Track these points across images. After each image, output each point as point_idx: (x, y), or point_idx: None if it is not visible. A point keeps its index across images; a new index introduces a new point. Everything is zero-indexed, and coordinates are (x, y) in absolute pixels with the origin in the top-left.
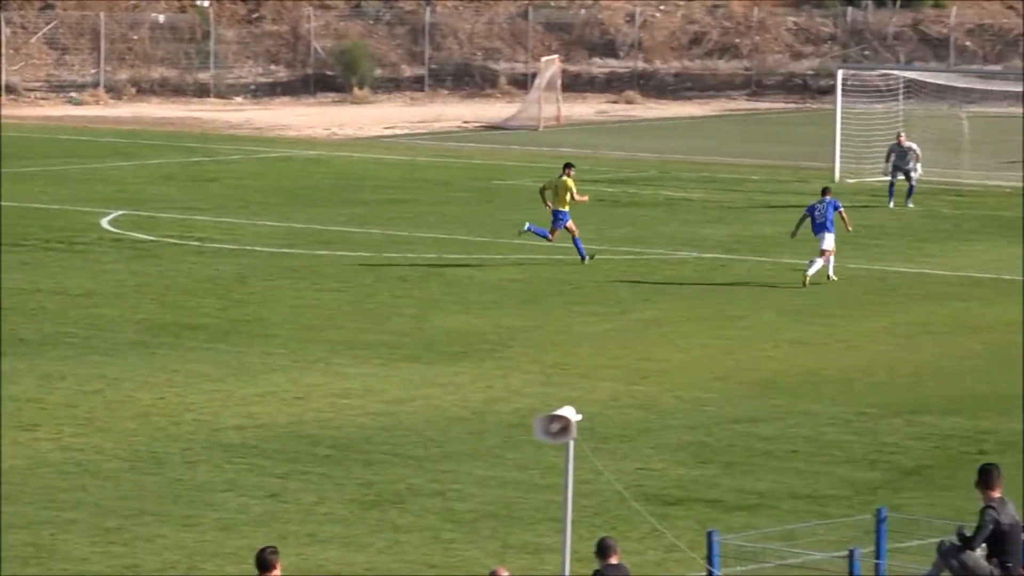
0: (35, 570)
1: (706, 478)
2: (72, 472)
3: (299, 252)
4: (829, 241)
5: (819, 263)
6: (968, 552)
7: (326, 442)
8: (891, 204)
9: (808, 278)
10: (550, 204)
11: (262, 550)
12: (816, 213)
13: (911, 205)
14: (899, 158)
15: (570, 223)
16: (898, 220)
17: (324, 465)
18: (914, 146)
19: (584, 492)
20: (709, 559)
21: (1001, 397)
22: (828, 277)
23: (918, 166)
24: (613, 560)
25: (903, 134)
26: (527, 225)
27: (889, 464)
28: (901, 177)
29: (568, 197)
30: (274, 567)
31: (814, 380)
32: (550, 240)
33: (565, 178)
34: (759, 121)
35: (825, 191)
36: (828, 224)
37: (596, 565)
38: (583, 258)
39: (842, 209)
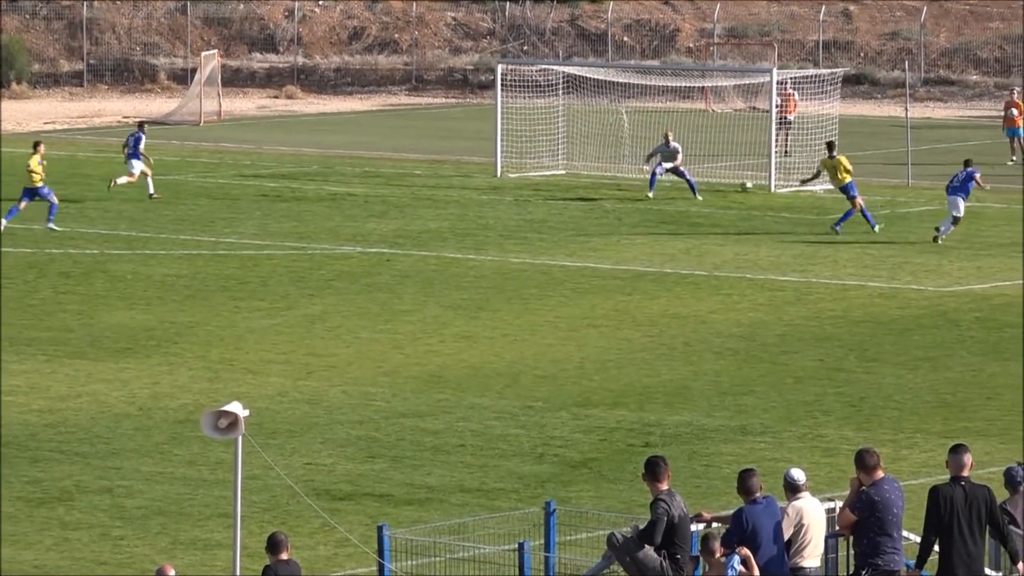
0: None
1: (375, 472)
2: None
3: None
4: (961, 207)
5: (951, 226)
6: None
7: None
8: (651, 194)
9: (942, 237)
10: (822, 178)
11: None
12: (954, 180)
13: (700, 198)
14: (666, 157)
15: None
16: (560, 215)
17: None
18: (678, 145)
19: (254, 488)
20: (380, 553)
21: (666, 390)
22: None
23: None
24: (284, 556)
25: (671, 133)
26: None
27: (557, 457)
28: (674, 176)
29: (843, 171)
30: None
31: (480, 374)
32: (856, 213)
33: (839, 156)
34: (420, 116)
35: (967, 162)
36: (964, 190)
37: (267, 561)
38: (872, 226)
39: (978, 176)
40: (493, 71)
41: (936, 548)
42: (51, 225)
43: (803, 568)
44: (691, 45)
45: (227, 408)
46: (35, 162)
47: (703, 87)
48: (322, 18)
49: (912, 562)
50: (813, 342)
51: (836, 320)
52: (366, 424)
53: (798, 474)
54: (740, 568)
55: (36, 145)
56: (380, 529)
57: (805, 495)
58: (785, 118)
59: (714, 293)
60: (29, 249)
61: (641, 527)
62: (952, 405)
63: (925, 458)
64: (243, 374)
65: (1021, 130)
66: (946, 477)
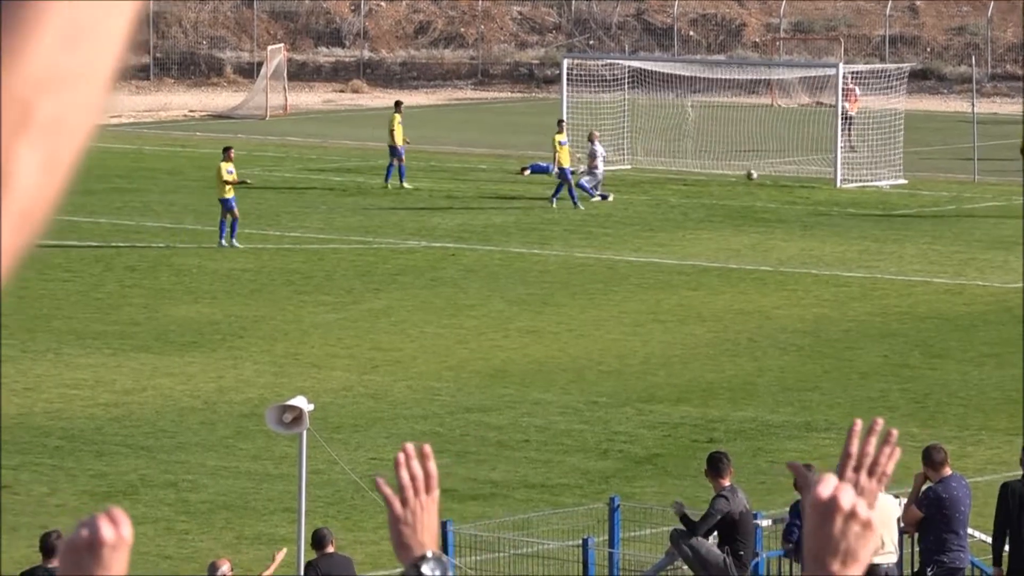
0: None
1: (439, 468)
2: None
3: None
4: None
5: None
6: (699, 539)
7: (57, 433)
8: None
9: None
10: None
11: (46, 534)
12: None
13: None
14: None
15: None
16: (626, 209)
17: (55, 456)
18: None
19: (318, 482)
20: (444, 549)
21: (730, 386)
22: None
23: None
24: (329, 549)
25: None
26: None
27: (621, 453)
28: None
29: None
30: (54, 553)
31: (545, 369)
32: None
33: None
34: (486, 110)
35: None
36: None
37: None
38: None
39: None
40: (559, 65)
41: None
42: (235, 242)
43: (878, 564)
44: (757, 40)
45: (292, 403)
46: (225, 170)
47: (769, 81)
48: (388, 12)
49: (977, 559)
50: (878, 338)
51: (901, 316)
52: (430, 419)
53: None
54: None
55: (226, 151)
56: (444, 525)
57: None
58: (847, 114)
59: (779, 289)
60: (95, 243)
61: (687, 510)
62: (1018, 402)
63: (990, 455)
64: (308, 368)
65: None
66: (1016, 474)
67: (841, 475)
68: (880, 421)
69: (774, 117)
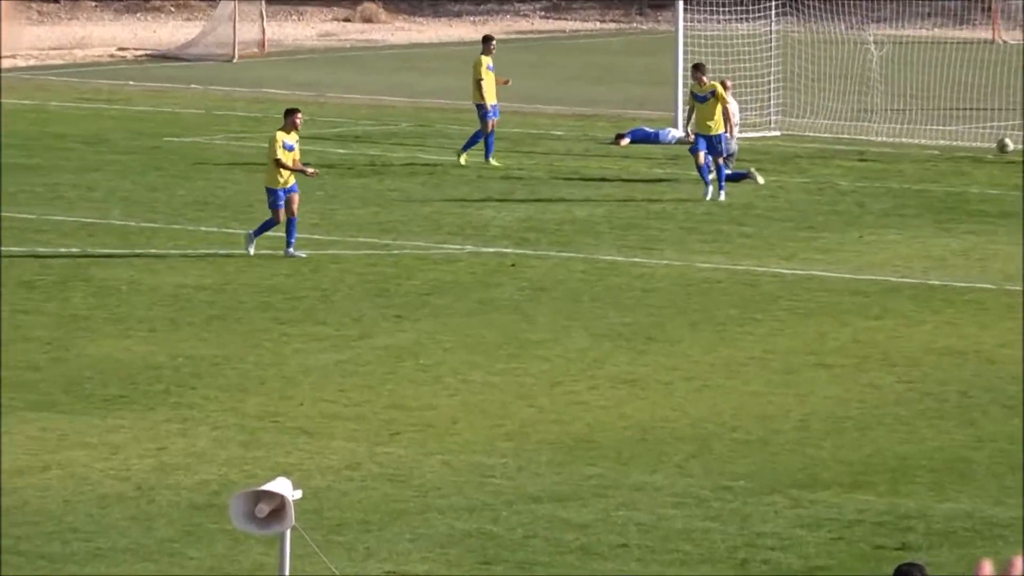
0: None
1: None
2: None
3: None
4: None
5: None
6: None
7: None
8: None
9: None
10: None
11: None
12: None
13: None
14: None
15: None
16: (773, 197)
17: None
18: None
19: None
20: None
21: (932, 463)
22: None
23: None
24: None
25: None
26: None
27: (768, 564)
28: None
29: None
30: None
31: (651, 438)
32: None
33: None
34: (562, 49)
35: None
36: None
37: None
38: None
39: None
40: None
41: None
42: (291, 250)
43: None
44: None
45: (270, 487)
46: (281, 144)
47: (989, 5)
48: None
49: None
50: None
51: None
52: (479, 513)
53: None
54: None
55: (290, 115)
56: None
57: None
58: None
59: (1006, 316)
60: None
61: None
62: None
63: None
64: (294, 436)
65: None
66: None
67: None
68: None
69: (995, 58)
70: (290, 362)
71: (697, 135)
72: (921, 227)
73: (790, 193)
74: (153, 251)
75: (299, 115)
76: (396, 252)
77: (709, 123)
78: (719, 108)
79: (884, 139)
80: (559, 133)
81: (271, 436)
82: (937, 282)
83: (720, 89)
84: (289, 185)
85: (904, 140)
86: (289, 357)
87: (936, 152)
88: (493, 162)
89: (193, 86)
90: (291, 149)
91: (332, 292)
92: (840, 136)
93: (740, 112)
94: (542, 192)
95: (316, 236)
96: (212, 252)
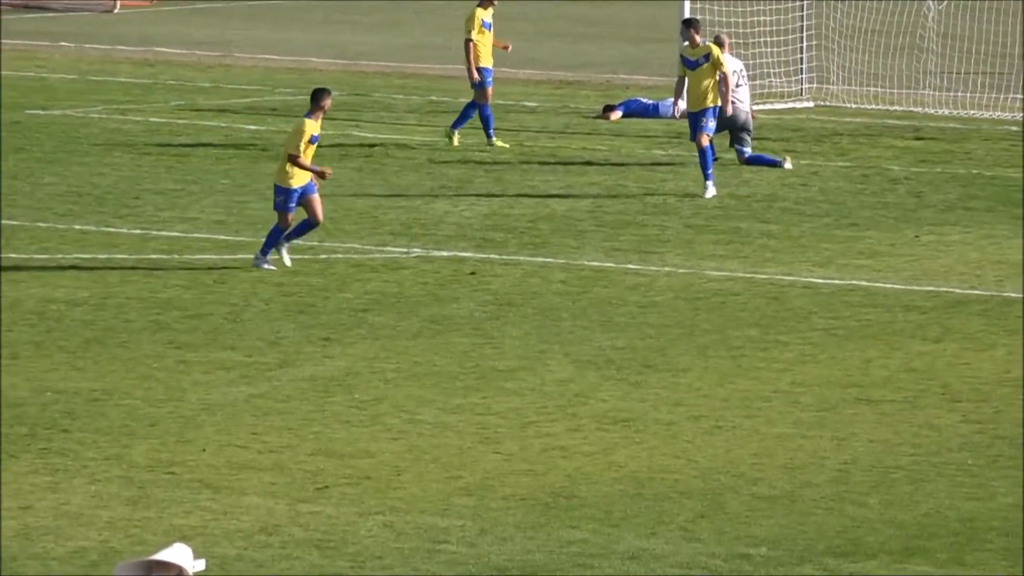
0: None
1: None
2: None
3: None
4: None
5: None
6: None
7: None
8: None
9: None
10: None
11: None
12: None
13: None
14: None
15: None
16: (804, 185)
17: None
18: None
19: None
20: None
21: (1007, 526)
22: None
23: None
24: None
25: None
26: None
27: None
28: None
29: None
30: None
31: (649, 493)
32: None
33: None
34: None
35: None
36: None
37: None
38: None
39: None
40: None
41: None
42: (284, 252)
43: None
44: None
45: (163, 557)
46: (309, 136)
47: None
48: None
49: None
50: None
51: None
52: None
53: None
54: None
55: (320, 97)
56: None
57: None
58: None
59: None
60: None
61: None
62: None
63: None
64: (195, 490)
65: None
66: None
67: None
68: None
69: None
70: (189, 397)
71: (689, 114)
72: (994, 224)
73: (826, 181)
74: (12, 256)
75: (330, 99)
76: (324, 257)
77: (706, 96)
78: (715, 76)
79: (946, 111)
80: (532, 104)
81: (165, 491)
82: (1014, 294)
83: (716, 52)
84: (305, 183)
85: (972, 113)
86: (188, 391)
87: (1014, 128)
88: (497, 142)
89: (64, 44)
90: (315, 142)
91: (243, 308)
92: (890, 108)
93: (762, 79)
94: (510, 180)
95: (221, 236)
96: (89, 257)
